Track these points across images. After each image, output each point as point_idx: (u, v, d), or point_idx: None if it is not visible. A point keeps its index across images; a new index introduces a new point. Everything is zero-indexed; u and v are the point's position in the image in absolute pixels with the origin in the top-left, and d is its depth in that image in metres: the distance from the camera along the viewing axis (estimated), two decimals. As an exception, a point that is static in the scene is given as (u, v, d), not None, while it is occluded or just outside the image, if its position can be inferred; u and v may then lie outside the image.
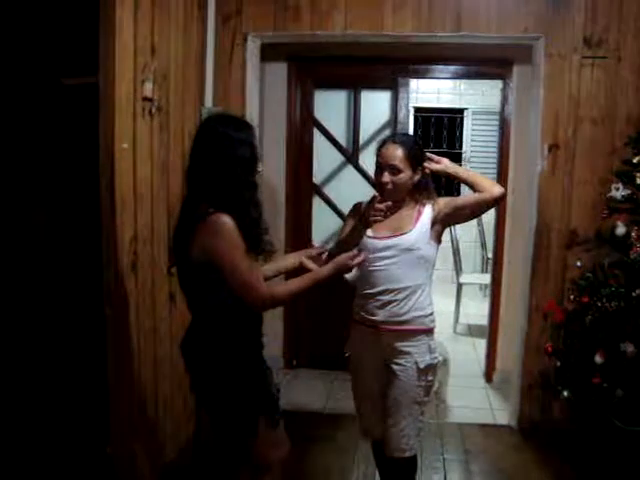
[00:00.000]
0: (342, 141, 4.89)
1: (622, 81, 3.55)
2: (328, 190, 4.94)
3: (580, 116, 3.60)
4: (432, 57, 4.66)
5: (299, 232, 4.90)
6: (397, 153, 2.57)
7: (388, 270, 2.59)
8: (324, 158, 4.90)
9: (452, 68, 4.82)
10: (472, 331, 6.08)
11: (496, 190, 2.56)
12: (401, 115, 4.77)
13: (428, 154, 2.71)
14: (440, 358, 2.72)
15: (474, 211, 2.65)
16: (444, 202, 2.66)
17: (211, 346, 2.27)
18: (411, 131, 8.14)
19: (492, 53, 4.33)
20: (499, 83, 4.66)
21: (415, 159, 2.60)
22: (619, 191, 3.27)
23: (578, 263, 3.47)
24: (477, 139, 8.39)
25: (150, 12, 2.97)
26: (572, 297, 3.43)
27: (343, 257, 2.36)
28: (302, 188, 4.87)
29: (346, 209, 4.85)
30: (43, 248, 3.20)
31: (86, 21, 2.72)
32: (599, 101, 3.58)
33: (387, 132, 4.85)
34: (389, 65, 4.68)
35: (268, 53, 4.14)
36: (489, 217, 4.58)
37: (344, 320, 4.71)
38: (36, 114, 3.12)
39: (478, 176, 2.68)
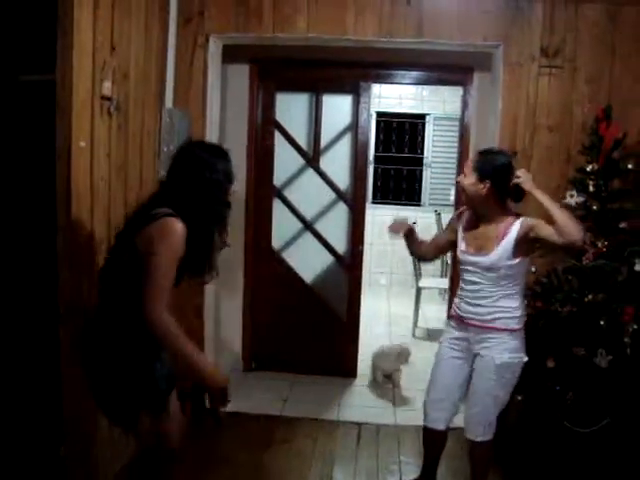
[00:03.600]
0: (303, 144, 4.89)
1: (577, 90, 3.63)
2: (289, 193, 4.94)
3: (537, 124, 3.67)
4: (394, 62, 4.70)
5: (259, 234, 4.89)
6: (470, 160, 2.87)
7: (474, 280, 2.85)
8: (285, 161, 4.89)
9: (414, 74, 4.86)
10: (431, 335, 6.12)
11: (578, 237, 2.56)
12: (362, 119, 4.79)
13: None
14: (525, 359, 2.87)
15: (546, 246, 2.83)
16: (533, 224, 2.70)
17: (113, 334, 2.35)
18: (372, 135, 8.21)
19: (453, 60, 4.37)
20: (460, 90, 4.72)
21: (482, 170, 2.76)
22: (573, 198, 3.34)
23: (533, 268, 3.52)
24: (438, 144, 8.48)
25: (110, 10, 2.94)
26: (526, 302, 3.48)
27: (221, 388, 2.37)
28: (263, 191, 4.86)
29: (306, 212, 4.93)
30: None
31: (45, 17, 2.69)
32: (555, 109, 3.66)
33: (348, 136, 4.88)
34: (351, 69, 4.70)
35: (230, 55, 4.13)
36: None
37: (304, 323, 4.72)
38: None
39: (562, 212, 2.66)
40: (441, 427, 3.03)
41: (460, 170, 2.82)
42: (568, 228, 2.55)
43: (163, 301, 2.19)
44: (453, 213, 3.17)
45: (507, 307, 2.79)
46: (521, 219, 2.73)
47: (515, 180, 2.75)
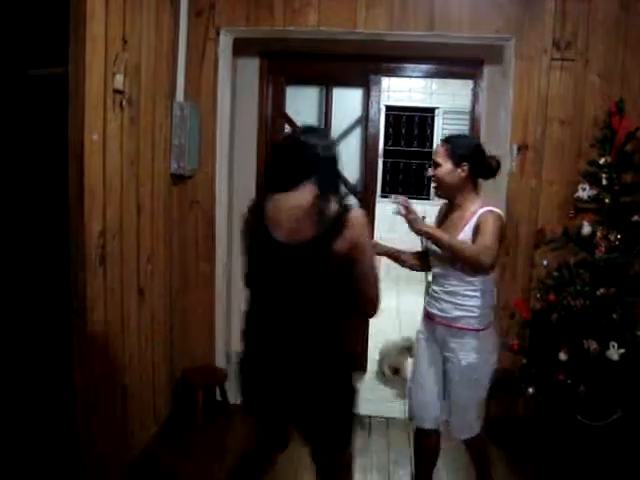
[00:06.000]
0: (313, 138, 4.87)
1: (589, 83, 3.61)
2: (299, 186, 4.93)
3: (549, 117, 3.66)
4: (404, 56, 4.68)
5: (269, 228, 4.88)
6: (439, 149, 2.76)
7: (439, 272, 2.79)
8: (295, 154, 4.88)
9: (424, 67, 4.84)
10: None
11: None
12: (372, 113, 4.78)
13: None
14: (492, 361, 2.80)
15: None
16: (481, 220, 2.62)
17: (329, 351, 2.24)
18: (382, 129, 8.19)
19: (463, 53, 4.35)
20: (470, 83, 4.70)
21: (458, 155, 2.70)
22: (585, 191, 3.33)
23: (545, 262, 3.52)
24: (448, 138, 8.44)
25: (122, 3, 2.94)
26: (539, 295, 3.47)
27: None
28: (273, 184, 4.86)
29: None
30: (9, 240, 3.15)
31: (53, 11, 2.69)
32: (567, 103, 3.64)
33: (358, 129, 4.87)
34: (361, 63, 4.69)
35: (240, 48, 4.12)
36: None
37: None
38: (1, 106, 3.07)
39: (461, 250, 2.58)
40: (433, 426, 2.93)
41: (435, 165, 2.71)
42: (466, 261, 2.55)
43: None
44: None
45: (470, 306, 2.69)
46: (483, 209, 2.64)
47: (405, 217, 2.67)
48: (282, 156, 2.32)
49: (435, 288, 2.81)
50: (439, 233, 2.62)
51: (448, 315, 2.73)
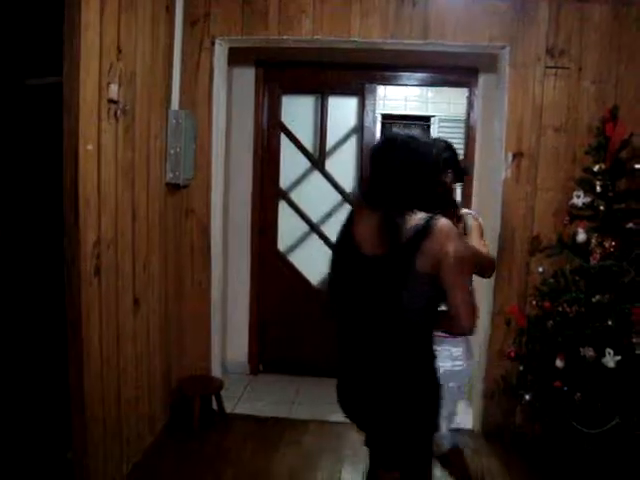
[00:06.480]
0: (309, 146, 4.90)
1: (583, 91, 3.62)
2: (294, 195, 4.95)
3: (543, 124, 3.67)
4: (399, 64, 4.71)
5: (265, 236, 4.89)
6: None
7: None
8: (291, 163, 4.90)
9: (419, 75, 4.86)
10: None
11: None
12: (368, 121, 4.80)
13: None
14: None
15: None
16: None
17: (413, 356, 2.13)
18: (378, 137, 8.19)
19: (458, 61, 4.37)
20: (465, 91, 4.73)
21: (443, 161, 2.59)
22: (580, 198, 3.33)
23: (540, 269, 3.52)
24: (443, 146, 8.46)
25: (116, 13, 2.94)
26: (534, 302, 3.47)
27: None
28: (268, 193, 4.87)
29: (312, 214, 4.93)
30: (3, 250, 3.15)
31: (49, 21, 2.69)
32: (561, 110, 3.65)
33: (354, 138, 4.88)
34: (356, 71, 4.71)
35: (236, 57, 4.13)
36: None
37: (310, 325, 4.71)
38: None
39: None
40: None
41: None
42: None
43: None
44: None
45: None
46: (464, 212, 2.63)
47: None
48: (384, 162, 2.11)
49: None
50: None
51: None
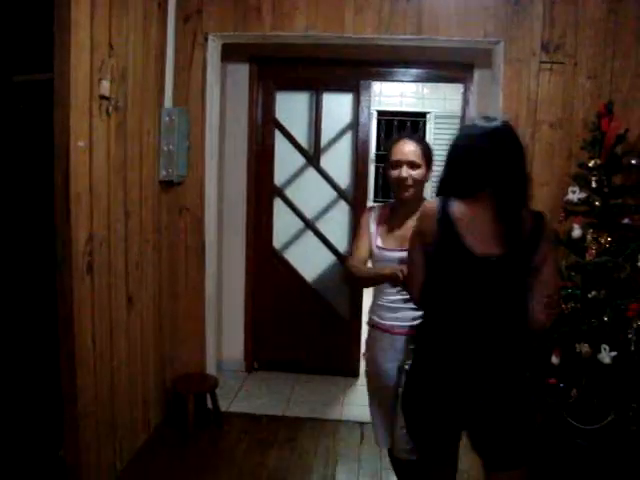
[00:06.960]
0: (304, 143, 4.87)
1: (578, 86, 3.60)
2: (289, 192, 4.92)
3: (538, 120, 3.65)
4: (394, 60, 4.68)
5: (260, 233, 4.88)
6: (416, 149, 2.59)
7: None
8: (285, 160, 4.88)
9: (414, 71, 4.83)
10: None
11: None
12: (363, 118, 4.78)
13: None
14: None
15: None
16: None
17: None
18: (374, 134, 8.20)
19: (453, 57, 4.36)
20: (460, 87, 4.71)
21: (429, 157, 2.62)
22: (575, 194, 3.31)
23: (536, 265, 3.50)
24: (439, 143, 8.45)
25: (108, 9, 2.93)
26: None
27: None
28: (263, 190, 4.85)
29: (307, 211, 4.91)
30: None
31: (36, 17, 2.67)
32: (556, 105, 3.63)
33: (349, 135, 4.86)
34: (351, 67, 4.69)
35: (229, 53, 4.11)
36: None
37: (305, 323, 4.71)
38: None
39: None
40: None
41: (415, 166, 2.55)
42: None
43: None
44: (366, 212, 2.81)
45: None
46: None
47: None
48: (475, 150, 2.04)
49: (391, 298, 2.62)
50: None
51: (406, 323, 2.57)
